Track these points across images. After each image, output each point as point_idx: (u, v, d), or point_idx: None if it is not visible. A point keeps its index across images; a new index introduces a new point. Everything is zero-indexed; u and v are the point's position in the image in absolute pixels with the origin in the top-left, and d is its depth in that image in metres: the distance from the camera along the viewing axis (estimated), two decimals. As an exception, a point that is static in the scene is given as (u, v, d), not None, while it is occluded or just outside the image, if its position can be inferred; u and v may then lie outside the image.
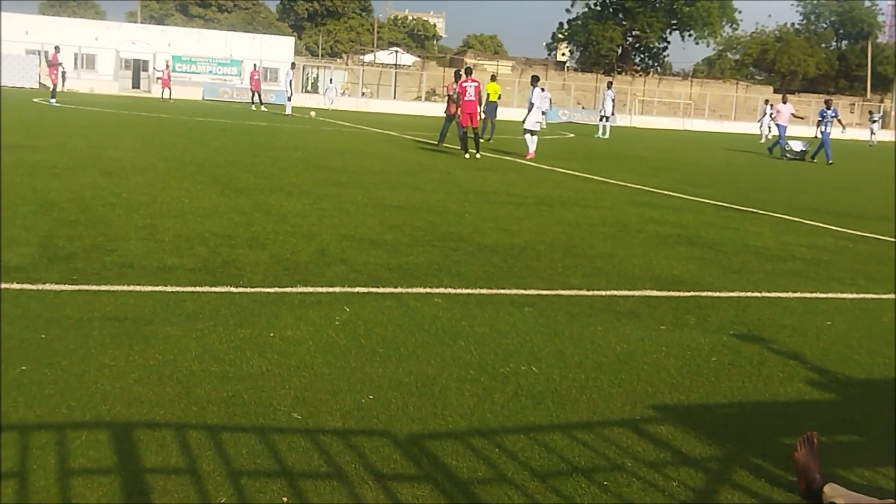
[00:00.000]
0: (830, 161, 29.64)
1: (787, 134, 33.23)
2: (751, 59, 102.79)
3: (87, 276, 6.57)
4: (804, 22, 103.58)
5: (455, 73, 23.60)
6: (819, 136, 30.61)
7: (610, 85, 42.21)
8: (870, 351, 5.97)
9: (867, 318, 6.95)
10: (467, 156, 21.36)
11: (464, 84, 22.21)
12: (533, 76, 24.66)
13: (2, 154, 14.60)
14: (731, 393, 4.94)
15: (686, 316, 6.58)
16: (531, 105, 23.40)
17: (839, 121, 31.54)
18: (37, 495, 3.19)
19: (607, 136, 39.70)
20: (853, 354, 5.86)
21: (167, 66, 57.69)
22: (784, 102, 34.47)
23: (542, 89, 25.21)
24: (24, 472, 3.36)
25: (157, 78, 56.80)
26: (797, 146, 31.38)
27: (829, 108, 30.60)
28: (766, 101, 52.08)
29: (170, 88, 54.22)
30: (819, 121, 30.89)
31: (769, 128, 48.12)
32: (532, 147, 22.90)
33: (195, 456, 3.62)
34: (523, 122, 23.45)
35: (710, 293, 7.46)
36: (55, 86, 37.52)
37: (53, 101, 36.00)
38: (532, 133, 23.07)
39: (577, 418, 4.38)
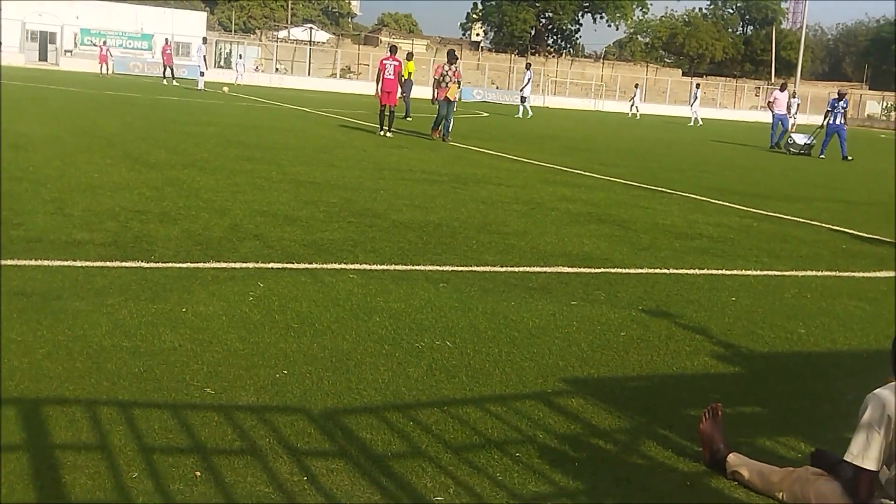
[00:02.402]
0: (823, 156, 27.00)
1: (707, 116, 31.72)
2: (660, 43, 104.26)
3: (-8, 250, 6.40)
4: (711, 7, 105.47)
5: (449, 53, 22.91)
6: (825, 126, 27.30)
7: (529, 66, 42.33)
8: (773, 326, 6.16)
9: (770, 294, 7.17)
10: (381, 133, 21.28)
11: (384, 62, 21.99)
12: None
13: None
14: (640, 366, 5.07)
15: (596, 292, 6.70)
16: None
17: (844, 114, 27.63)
18: (-59, 473, 3.12)
19: (530, 115, 39.94)
20: (757, 329, 6.05)
21: (104, 42, 56.18)
22: (782, 90, 31.76)
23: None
24: (-73, 450, 3.28)
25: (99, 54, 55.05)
26: (801, 139, 28.16)
27: (840, 99, 27.40)
28: (697, 86, 53.09)
29: (107, 64, 52.83)
30: (828, 111, 27.53)
31: (696, 112, 49.80)
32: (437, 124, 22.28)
33: (106, 432, 3.57)
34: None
35: (619, 270, 7.61)
36: None
37: None
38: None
39: (490, 392, 4.44)
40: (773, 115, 31.27)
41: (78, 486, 3.11)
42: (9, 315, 4.91)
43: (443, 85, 21.68)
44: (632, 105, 54.68)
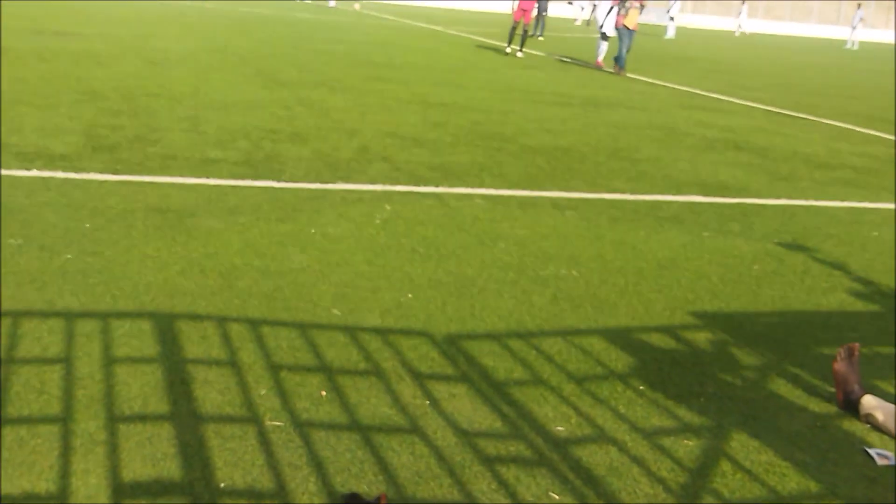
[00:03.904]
0: None
1: (864, 38, 30.18)
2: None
3: (131, 166, 6.61)
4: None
5: None
6: None
7: None
8: (917, 263, 5.88)
9: (916, 229, 6.83)
10: (510, 52, 20.93)
11: None
12: None
13: (44, 40, 14.63)
14: (773, 302, 4.91)
15: (730, 223, 6.51)
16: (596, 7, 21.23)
17: None
18: (81, 381, 3.27)
19: (672, 36, 39.11)
20: (899, 266, 5.78)
21: None
22: None
23: None
24: (69, 359, 3.43)
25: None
26: None
27: None
28: (859, 6, 50.79)
29: None
30: None
31: (854, 36, 48.00)
32: (601, 54, 20.64)
33: (236, 348, 3.67)
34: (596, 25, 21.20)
35: (755, 200, 7.36)
36: None
37: None
38: (605, 37, 20.55)
39: (615, 323, 4.38)
40: None
41: (208, 401, 3.21)
42: (145, 231, 5.08)
43: (622, 11, 19.32)
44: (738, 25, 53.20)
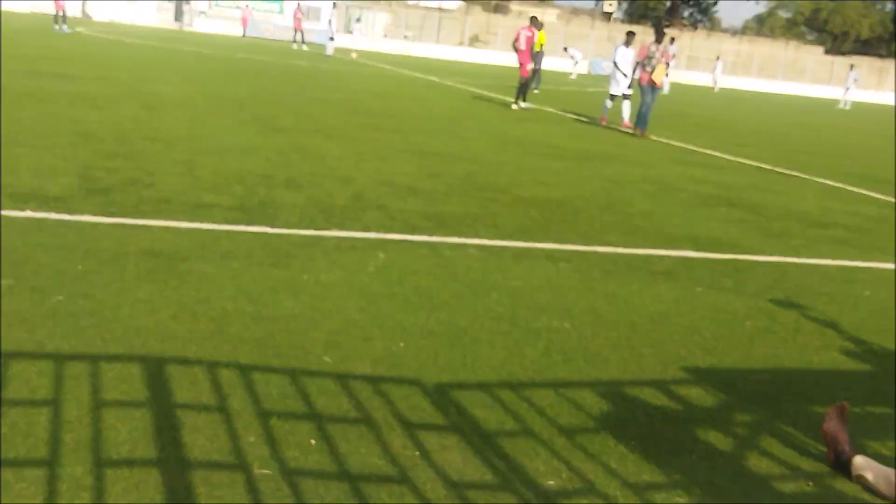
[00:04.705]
0: None
1: (856, 98, 29.26)
2: (802, 18, 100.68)
3: (125, 209, 6.61)
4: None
5: (656, 29, 18.64)
6: None
7: (672, 41, 40.50)
8: (908, 323, 5.89)
9: (907, 289, 6.85)
10: (515, 107, 21.06)
11: (520, 31, 21.55)
12: (628, 32, 19.98)
13: (41, 82, 14.71)
14: (765, 359, 4.90)
15: (723, 279, 6.52)
16: (616, 65, 19.54)
17: None
18: (70, 424, 3.24)
19: (666, 91, 39.17)
20: (891, 326, 5.78)
21: (247, 6, 57.76)
22: None
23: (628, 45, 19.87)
24: (57, 402, 3.41)
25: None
26: None
27: None
28: (852, 67, 51.42)
29: (246, 26, 54.51)
30: None
31: (847, 96, 48.55)
32: (627, 113, 19.36)
33: (226, 394, 3.65)
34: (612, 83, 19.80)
35: (748, 256, 7.38)
36: (63, 12, 37.00)
37: (64, 27, 35.68)
38: (626, 97, 19.46)
39: (607, 377, 4.36)
40: None
41: (197, 448, 3.19)
42: (137, 275, 5.07)
43: (647, 67, 18.00)
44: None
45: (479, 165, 10.85)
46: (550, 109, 21.82)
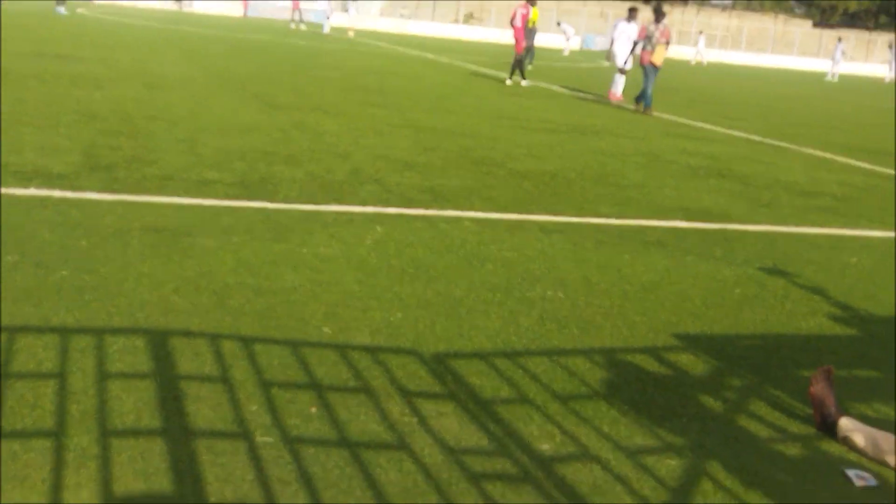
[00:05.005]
0: None
1: (844, 71, 29.22)
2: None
3: (128, 185, 6.69)
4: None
5: (655, 8, 18.17)
6: None
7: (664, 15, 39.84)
8: (894, 288, 5.98)
9: (893, 256, 6.94)
10: (525, 83, 20.99)
11: (516, 9, 21.47)
12: (630, 8, 19.96)
13: (45, 63, 14.72)
14: (754, 325, 5.00)
15: (713, 248, 6.61)
16: (614, 41, 19.67)
17: None
18: (75, 396, 3.32)
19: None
20: (877, 292, 5.89)
21: None
22: None
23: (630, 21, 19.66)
24: (63, 374, 3.49)
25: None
26: None
27: None
28: (840, 40, 51.50)
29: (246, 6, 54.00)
30: None
31: (836, 68, 48.66)
32: (620, 87, 19.62)
33: (228, 365, 3.74)
34: (614, 59, 19.95)
35: (737, 226, 7.47)
36: None
37: (61, 9, 35.40)
38: (623, 72, 19.55)
39: (600, 344, 4.46)
40: None
41: (200, 417, 3.27)
42: (141, 250, 5.15)
43: (647, 47, 17.84)
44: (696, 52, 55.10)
45: (473, 140, 10.91)
46: (544, 84, 21.81)
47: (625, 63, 19.35)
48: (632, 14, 19.43)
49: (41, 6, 36.48)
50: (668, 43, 17.92)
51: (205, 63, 18.73)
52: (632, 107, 17.96)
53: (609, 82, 20.18)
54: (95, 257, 4.93)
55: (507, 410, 3.60)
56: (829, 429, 3.68)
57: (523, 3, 21.68)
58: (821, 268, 6.37)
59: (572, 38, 48.64)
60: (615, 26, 19.71)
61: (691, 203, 8.22)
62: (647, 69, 17.68)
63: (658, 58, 17.67)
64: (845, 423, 3.63)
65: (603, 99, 19.21)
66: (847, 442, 3.60)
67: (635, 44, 18.31)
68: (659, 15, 17.89)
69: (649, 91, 17.48)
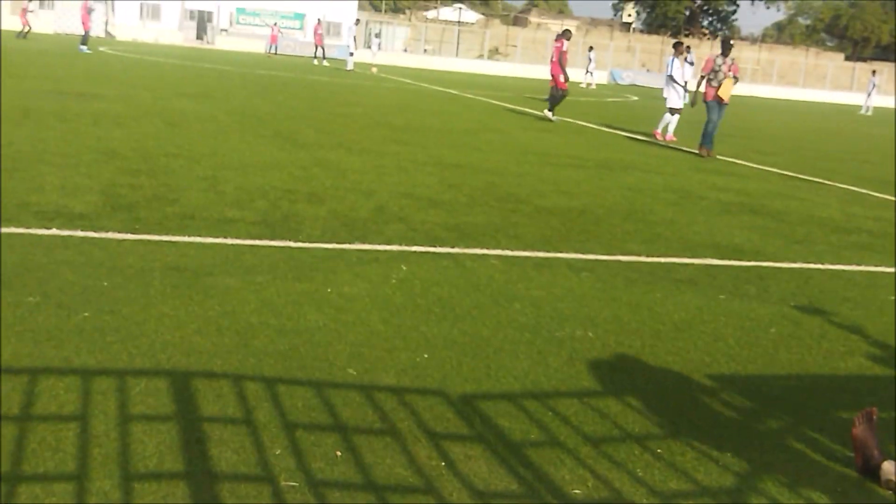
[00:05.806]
0: None
1: (877, 104, 28.81)
2: (822, 25, 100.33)
3: (149, 225, 6.67)
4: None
5: (723, 42, 16.99)
6: None
7: (689, 49, 39.59)
8: (935, 328, 5.85)
9: (933, 293, 6.80)
10: (554, 119, 20.99)
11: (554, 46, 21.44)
12: (675, 43, 19.10)
13: (66, 101, 14.85)
14: (790, 365, 4.88)
15: (746, 286, 6.50)
16: (670, 78, 18.72)
17: None
18: (97, 439, 3.26)
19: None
20: (917, 330, 5.75)
21: (275, 24, 57.82)
22: None
23: (687, 59, 19.04)
24: (85, 417, 3.44)
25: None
26: None
27: None
28: (874, 72, 51.26)
29: (276, 44, 54.44)
30: None
31: (869, 102, 48.45)
32: (673, 127, 18.71)
33: (252, 407, 3.67)
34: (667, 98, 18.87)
35: (771, 263, 7.35)
36: (87, 32, 37.22)
37: (84, 48, 35.90)
38: (674, 111, 18.64)
39: (632, 385, 4.36)
40: None
41: (224, 460, 3.20)
42: (162, 290, 5.11)
43: (713, 82, 16.41)
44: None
45: (499, 176, 10.86)
46: (569, 119, 21.80)
47: (683, 99, 18.39)
48: (678, 49, 18.68)
49: (64, 45, 37.02)
50: (736, 78, 16.52)
51: (225, 100, 18.85)
52: (695, 150, 16.38)
53: (657, 120, 19.39)
54: (117, 298, 4.89)
55: (538, 454, 3.51)
56: (871, 472, 3.56)
57: (558, 38, 21.60)
58: (857, 306, 6.23)
59: (593, 72, 48.31)
60: (670, 63, 18.83)
61: (723, 240, 8.11)
62: (710, 105, 16.36)
63: (725, 92, 16.30)
64: (888, 467, 3.51)
65: (634, 134, 19.12)
66: (891, 486, 3.47)
67: (702, 77, 16.76)
68: (726, 47, 16.45)
69: (711, 130, 16.13)
